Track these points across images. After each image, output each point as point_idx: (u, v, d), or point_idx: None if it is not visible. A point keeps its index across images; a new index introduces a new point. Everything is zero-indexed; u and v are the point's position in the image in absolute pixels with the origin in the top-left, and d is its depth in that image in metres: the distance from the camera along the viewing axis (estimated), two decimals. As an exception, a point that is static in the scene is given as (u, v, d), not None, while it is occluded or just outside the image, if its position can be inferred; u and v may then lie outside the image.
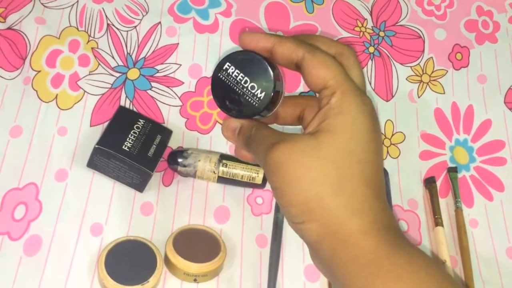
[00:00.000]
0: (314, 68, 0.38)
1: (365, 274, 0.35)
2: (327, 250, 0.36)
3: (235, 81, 0.40)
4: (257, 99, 0.40)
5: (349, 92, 0.37)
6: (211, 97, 0.61)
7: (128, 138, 0.53)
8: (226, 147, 0.59)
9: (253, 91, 0.40)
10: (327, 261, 0.37)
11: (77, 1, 0.64)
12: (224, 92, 0.40)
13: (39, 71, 0.59)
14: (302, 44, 0.39)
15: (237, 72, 0.40)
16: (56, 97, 0.58)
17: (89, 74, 0.60)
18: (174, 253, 0.50)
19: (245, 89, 0.40)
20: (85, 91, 0.59)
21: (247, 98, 0.40)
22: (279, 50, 0.39)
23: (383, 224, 0.36)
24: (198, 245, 0.52)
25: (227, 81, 0.40)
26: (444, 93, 0.69)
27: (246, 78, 0.40)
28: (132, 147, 0.52)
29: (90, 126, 0.58)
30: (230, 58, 0.40)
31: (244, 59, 0.40)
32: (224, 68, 0.40)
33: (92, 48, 0.62)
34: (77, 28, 0.63)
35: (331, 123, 0.37)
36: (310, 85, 0.39)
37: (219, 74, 0.40)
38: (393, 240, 0.36)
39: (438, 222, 0.59)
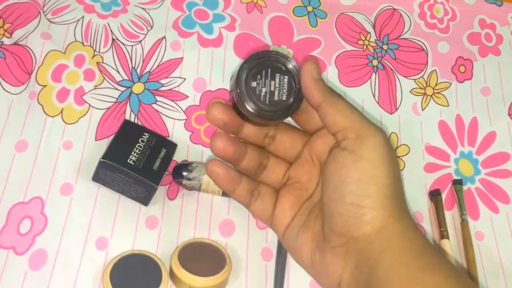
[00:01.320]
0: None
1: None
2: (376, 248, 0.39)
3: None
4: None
5: (369, 131, 0.40)
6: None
7: (133, 152, 0.53)
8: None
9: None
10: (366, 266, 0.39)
11: (83, 17, 0.65)
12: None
13: (44, 86, 0.60)
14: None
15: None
16: (61, 112, 0.59)
17: (94, 89, 0.61)
18: (179, 266, 0.50)
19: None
20: (90, 105, 0.60)
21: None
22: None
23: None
24: (204, 258, 0.52)
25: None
26: (448, 105, 0.69)
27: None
28: (137, 161, 0.52)
29: (95, 140, 0.58)
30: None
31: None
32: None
33: (97, 63, 0.62)
34: (83, 43, 0.63)
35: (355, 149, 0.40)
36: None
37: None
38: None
39: (444, 234, 0.59)
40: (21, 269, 0.49)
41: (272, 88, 0.41)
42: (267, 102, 0.41)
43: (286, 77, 0.41)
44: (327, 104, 0.41)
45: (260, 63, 0.41)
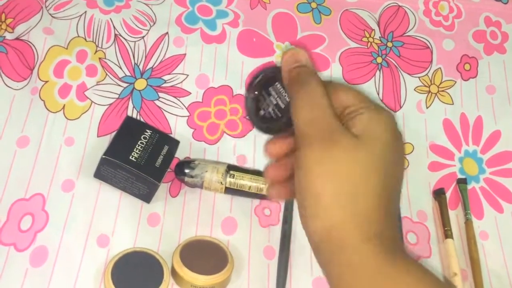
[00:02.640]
0: (340, 92, 0.39)
1: (360, 281, 0.36)
2: (326, 253, 0.37)
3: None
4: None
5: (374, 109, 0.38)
6: (219, 107, 0.61)
7: (135, 149, 0.53)
8: (234, 158, 0.59)
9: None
10: (325, 264, 0.37)
11: (85, 12, 0.64)
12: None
13: (46, 81, 0.59)
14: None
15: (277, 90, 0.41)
16: (63, 107, 0.58)
17: (97, 84, 0.60)
18: (181, 265, 0.50)
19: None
20: (92, 101, 0.59)
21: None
22: None
23: (384, 236, 0.36)
24: (205, 257, 0.51)
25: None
26: (452, 103, 0.69)
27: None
28: (139, 158, 0.52)
29: (97, 136, 0.57)
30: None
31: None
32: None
33: (99, 59, 0.62)
34: (85, 39, 0.63)
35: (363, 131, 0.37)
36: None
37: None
38: (392, 252, 0.36)
39: (448, 234, 0.58)
40: (22, 266, 0.49)
41: (275, 102, 0.40)
42: (280, 115, 0.40)
43: (277, 82, 0.40)
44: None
45: (258, 86, 0.41)
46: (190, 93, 0.62)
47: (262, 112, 0.41)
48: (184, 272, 0.49)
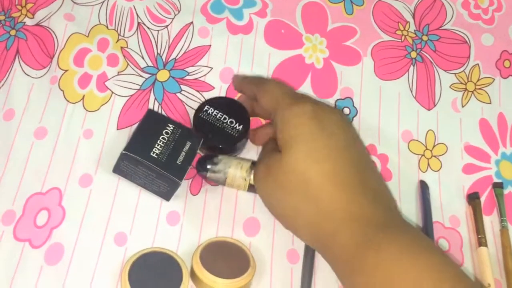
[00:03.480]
0: (260, 98, 0.50)
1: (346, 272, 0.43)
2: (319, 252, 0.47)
3: (215, 119, 0.54)
4: (237, 130, 0.53)
5: (284, 106, 0.47)
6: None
7: (156, 144, 0.50)
8: (257, 156, 0.57)
9: (232, 125, 0.53)
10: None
11: (108, -2, 0.62)
12: (206, 128, 0.53)
13: (66, 70, 0.57)
14: (256, 81, 0.54)
15: (216, 112, 0.54)
16: (83, 98, 0.56)
17: (118, 75, 0.58)
18: (201, 267, 0.47)
19: (225, 124, 0.53)
20: (112, 92, 0.57)
21: (228, 130, 0.53)
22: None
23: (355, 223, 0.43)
24: (226, 259, 0.49)
25: (208, 119, 0.54)
26: (490, 102, 0.65)
27: (225, 115, 0.54)
28: (160, 154, 0.50)
29: (117, 129, 0.55)
30: (209, 102, 0.55)
31: (221, 102, 0.55)
32: (204, 109, 0.54)
33: (121, 48, 0.59)
34: (107, 26, 0.61)
35: (280, 140, 0.46)
36: (264, 115, 0.54)
37: (200, 114, 0.54)
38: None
39: (481, 241, 0.55)
40: (37, 263, 0.48)
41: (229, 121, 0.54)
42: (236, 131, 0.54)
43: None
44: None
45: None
46: (214, 87, 0.59)
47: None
48: (204, 275, 0.47)
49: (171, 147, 0.51)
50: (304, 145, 0.44)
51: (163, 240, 0.50)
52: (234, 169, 0.53)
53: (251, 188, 0.53)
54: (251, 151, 0.57)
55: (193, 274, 0.48)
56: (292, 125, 0.45)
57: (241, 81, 0.55)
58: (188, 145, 0.52)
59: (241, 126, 0.54)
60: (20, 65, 0.57)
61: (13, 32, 0.58)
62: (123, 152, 0.49)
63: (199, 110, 0.54)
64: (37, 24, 0.59)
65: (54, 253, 0.48)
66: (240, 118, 0.54)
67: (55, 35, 0.59)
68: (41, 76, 0.57)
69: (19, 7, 0.60)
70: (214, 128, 0.53)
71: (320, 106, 0.47)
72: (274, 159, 0.46)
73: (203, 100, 0.58)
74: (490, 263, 0.54)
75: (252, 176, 0.52)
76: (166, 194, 0.52)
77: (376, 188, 0.47)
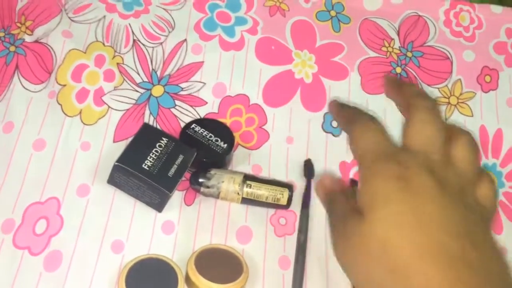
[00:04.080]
0: (350, 144, 0.42)
1: None
2: None
3: (201, 136, 0.56)
4: (221, 148, 0.56)
5: (366, 164, 0.39)
6: (234, 118, 0.61)
7: (149, 157, 0.52)
8: (249, 167, 0.58)
9: (217, 143, 0.56)
10: None
11: (104, 16, 0.64)
12: (192, 144, 0.55)
13: (64, 85, 0.59)
14: (349, 118, 0.43)
15: (202, 130, 0.57)
16: (80, 112, 0.58)
17: (114, 90, 0.60)
18: (196, 272, 0.49)
19: (210, 141, 0.56)
20: (109, 107, 0.59)
21: (212, 147, 0.56)
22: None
23: None
24: (220, 265, 0.51)
25: (195, 135, 0.56)
26: (472, 116, 0.68)
27: (211, 134, 0.56)
28: (152, 166, 0.52)
29: (114, 142, 0.57)
30: (197, 121, 0.58)
31: (208, 123, 0.58)
32: (191, 126, 0.57)
33: (117, 64, 0.62)
34: (103, 43, 0.63)
35: (360, 202, 0.38)
36: None
37: (187, 131, 0.57)
38: None
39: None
40: (36, 270, 0.49)
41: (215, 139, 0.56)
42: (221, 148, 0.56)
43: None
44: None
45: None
46: (207, 102, 0.61)
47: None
48: (199, 280, 0.49)
49: (163, 160, 0.53)
50: (386, 208, 0.36)
51: (159, 248, 0.52)
52: (227, 184, 0.54)
53: (244, 201, 0.55)
54: (239, 166, 0.58)
55: (188, 280, 0.50)
56: (373, 185, 0.37)
57: (336, 113, 0.46)
58: (180, 158, 0.53)
59: (225, 145, 0.56)
60: (20, 80, 0.58)
61: (12, 48, 0.60)
62: (116, 163, 0.51)
63: (187, 127, 0.57)
64: (36, 41, 0.61)
65: (53, 260, 0.49)
66: (225, 137, 0.57)
67: (54, 51, 0.61)
68: (39, 90, 0.59)
69: (19, 24, 0.62)
70: (199, 144, 0.56)
71: (409, 167, 0.37)
72: (353, 223, 0.38)
73: (196, 114, 0.60)
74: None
75: (245, 190, 0.54)
76: (158, 206, 0.53)
77: (490, 268, 0.35)
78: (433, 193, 0.36)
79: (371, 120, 0.41)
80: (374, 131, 0.40)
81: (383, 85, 0.45)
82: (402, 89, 0.43)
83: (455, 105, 0.68)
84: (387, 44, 0.70)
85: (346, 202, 0.41)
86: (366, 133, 0.40)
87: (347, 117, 0.44)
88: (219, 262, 0.51)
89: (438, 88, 0.68)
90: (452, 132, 0.39)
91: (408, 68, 0.69)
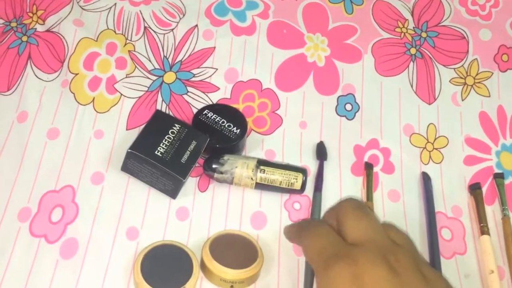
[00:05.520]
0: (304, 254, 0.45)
1: None
2: None
3: (214, 121, 0.56)
4: (234, 133, 0.55)
5: (321, 273, 0.41)
6: (247, 103, 0.60)
7: (162, 143, 0.52)
8: (262, 152, 0.58)
9: (229, 128, 0.55)
10: None
11: (115, 4, 0.64)
12: (204, 130, 0.55)
13: (76, 74, 0.59)
14: (298, 231, 0.48)
15: (215, 116, 0.56)
16: (93, 100, 0.58)
17: (126, 77, 0.60)
18: (211, 258, 0.49)
19: (223, 127, 0.56)
20: (121, 94, 0.59)
21: (225, 133, 0.55)
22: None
23: None
24: (235, 250, 0.51)
25: (207, 121, 0.56)
26: (489, 96, 0.66)
27: (223, 119, 0.56)
28: (165, 153, 0.51)
29: (126, 129, 0.57)
30: (209, 106, 0.57)
31: (221, 108, 0.57)
32: (204, 112, 0.57)
33: (129, 51, 0.61)
34: (115, 31, 0.63)
35: None
36: None
37: (200, 117, 0.56)
38: None
39: (484, 230, 0.56)
40: (53, 258, 0.49)
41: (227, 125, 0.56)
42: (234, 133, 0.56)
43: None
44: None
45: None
46: (219, 88, 0.61)
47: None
48: (214, 265, 0.49)
49: (176, 146, 0.52)
50: None
51: (173, 234, 0.52)
52: (240, 169, 0.54)
53: (258, 186, 0.55)
54: (253, 151, 0.58)
55: (203, 266, 0.50)
56: None
57: (287, 232, 0.51)
58: (193, 144, 0.53)
59: (238, 130, 0.56)
60: (32, 69, 0.59)
61: (24, 38, 0.61)
62: (129, 150, 0.51)
63: (199, 113, 0.57)
64: (48, 30, 0.61)
65: (69, 248, 0.50)
66: (238, 123, 0.56)
67: (65, 40, 0.61)
68: (52, 80, 0.59)
69: (30, 14, 0.62)
70: (212, 130, 0.55)
71: (360, 261, 0.39)
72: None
73: (208, 100, 0.60)
74: (493, 251, 0.55)
75: (258, 175, 0.54)
76: (172, 192, 0.53)
77: None
78: (386, 286, 0.38)
79: (318, 225, 0.46)
80: (321, 236, 0.43)
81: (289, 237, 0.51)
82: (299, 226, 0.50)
83: (471, 86, 0.67)
84: (401, 25, 0.69)
85: None
86: (314, 239, 0.44)
87: (295, 230, 0.49)
88: (234, 248, 0.51)
89: (454, 69, 0.67)
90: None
91: (423, 49, 0.68)
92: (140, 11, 0.64)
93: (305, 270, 0.52)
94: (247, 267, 0.49)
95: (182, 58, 0.62)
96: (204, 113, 0.57)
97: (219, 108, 0.58)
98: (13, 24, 0.61)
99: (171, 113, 0.59)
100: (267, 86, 0.62)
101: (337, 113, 0.62)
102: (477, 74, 0.67)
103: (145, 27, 0.63)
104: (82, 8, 0.63)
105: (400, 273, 0.39)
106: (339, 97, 0.63)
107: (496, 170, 0.62)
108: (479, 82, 0.67)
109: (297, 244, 0.50)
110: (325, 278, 0.40)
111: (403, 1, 0.71)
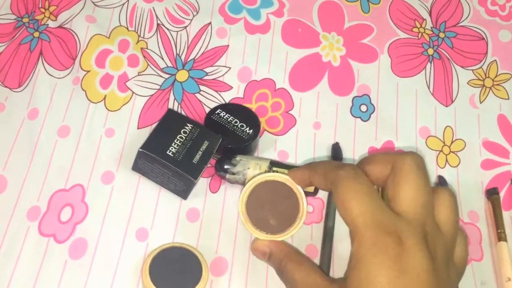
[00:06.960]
0: (338, 207, 0.40)
1: None
2: None
3: (227, 121, 0.55)
4: (247, 133, 0.54)
5: (364, 242, 0.37)
6: (260, 103, 0.59)
7: (173, 143, 0.51)
8: (275, 153, 0.57)
9: (242, 128, 0.54)
10: None
11: (128, 0, 0.63)
12: (216, 130, 0.54)
13: (88, 71, 0.59)
14: (328, 177, 0.41)
15: (228, 115, 0.55)
16: (104, 98, 0.57)
17: (138, 75, 0.59)
18: (246, 216, 0.47)
19: (235, 127, 0.54)
20: (133, 92, 0.58)
21: (238, 133, 0.54)
22: (313, 182, 0.45)
23: None
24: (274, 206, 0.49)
25: (219, 121, 0.55)
26: (508, 98, 0.65)
27: (236, 119, 0.55)
28: (177, 153, 0.51)
29: (138, 128, 0.56)
30: (222, 106, 0.56)
31: (234, 108, 0.56)
32: (216, 112, 0.55)
33: (141, 49, 0.61)
34: (127, 28, 0.62)
35: (349, 278, 0.38)
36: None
37: (212, 116, 0.55)
38: None
39: (501, 236, 0.55)
40: (61, 258, 0.49)
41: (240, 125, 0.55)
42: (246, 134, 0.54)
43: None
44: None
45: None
46: (232, 87, 0.60)
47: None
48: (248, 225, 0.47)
49: (188, 146, 0.52)
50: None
51: (183, 236, 0.51)
52: (252, 170, 0.53)
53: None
54: (265, 152, 0.57)
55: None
56: (366, 272, 0.37)
57: (294, 173, 0.47)
58: (205, 144, 0.52)
59: (251, 130, 0.55)
60: (44, 66, 0.58)
61: (36, 34, 0.60)
62: (140, 150, 0.50)
63: (212, 112, 0.56)
64: (60, 26, 0.61)
65: (78, 248, 0.49)
66: (251, 123, 0.55)
67: (77, 36, 0.60)
68: (64, 77, 0.58)
69: (43, 10, 0.62)
70: (224, 130, 0.54)
71: (406, 240, 0.37)
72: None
73: (221, 100, 0.59)
74: (510, 258, 0.54)
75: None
76: (183, 193, 0.53)
77: None
78: (425, 277, 0.35)
79: (357, 176, 0.40)
80: (364, 194, 0.38)
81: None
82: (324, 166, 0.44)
83: (490, 88, 0.65)
84: (418, 25, 0.68)
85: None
86: (356, 196, 0.38)
87: (324, 174, 0.42)
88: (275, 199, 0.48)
89: (472, 70, 0.66)
90: (434, 191, 0.40)
91: (441, 50, 0.66)
92: (153, 8, 0.64)
93: (322, 239, 0.52)
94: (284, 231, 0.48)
95: (195, 56, 0.61)
96: (216, 112, 0.56)
97: (232, 108, 0.57)
98: (25, 20, 0.61)
99: (183, 112, 0.58)
100: (280, 85, 0.61)
101: (352, 114, 0.61)
102: (496, 76, 0.66)
103: (158, 24, 0.63)
104: (95, 4, 0.63)
105: (438, 267, 0.37)
106: (354, 97, 0.62)
107: (515, 175, 0.60)
108: (498, 84, 0.66)
109: (302, 180, 0.45)
110: (364, 250, 0.37)
111: (421, 0, 0.69)
